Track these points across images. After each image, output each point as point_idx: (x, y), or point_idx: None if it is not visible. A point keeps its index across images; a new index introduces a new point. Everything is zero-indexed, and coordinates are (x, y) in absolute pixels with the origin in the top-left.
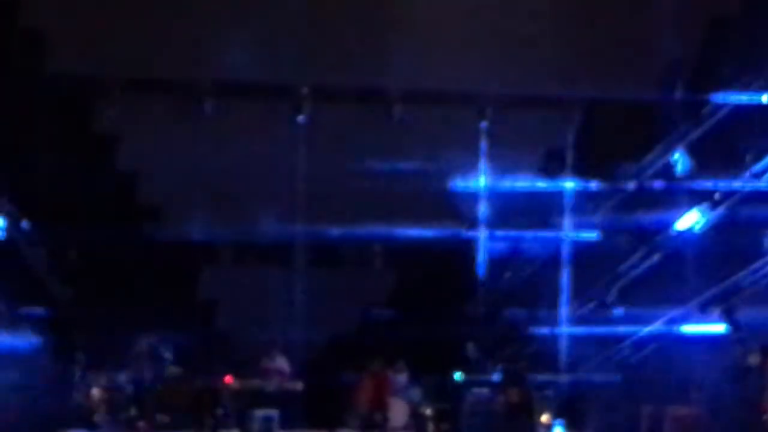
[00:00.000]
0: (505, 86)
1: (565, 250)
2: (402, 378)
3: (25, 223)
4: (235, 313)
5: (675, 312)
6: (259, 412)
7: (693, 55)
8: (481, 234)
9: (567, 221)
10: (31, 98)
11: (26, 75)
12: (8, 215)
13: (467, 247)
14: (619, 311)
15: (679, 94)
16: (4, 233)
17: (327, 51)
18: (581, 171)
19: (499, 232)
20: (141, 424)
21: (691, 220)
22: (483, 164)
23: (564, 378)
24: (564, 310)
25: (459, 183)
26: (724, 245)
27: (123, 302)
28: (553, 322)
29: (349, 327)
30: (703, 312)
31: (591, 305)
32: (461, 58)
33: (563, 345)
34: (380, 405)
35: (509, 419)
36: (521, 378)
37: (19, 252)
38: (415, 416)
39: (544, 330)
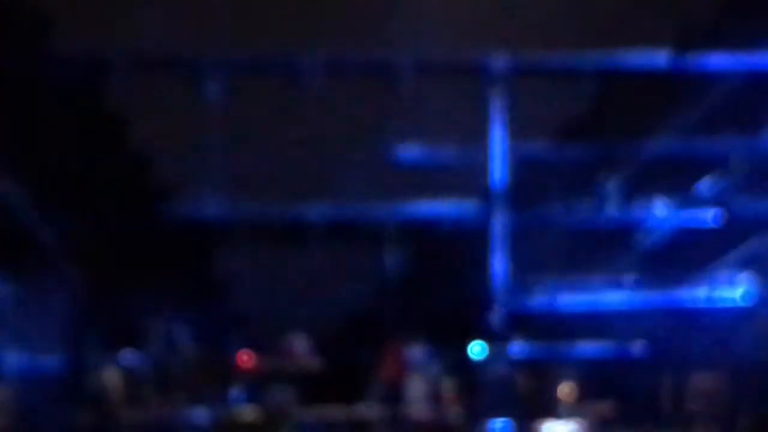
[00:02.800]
0: (517, 55)
1: (588, 221)
2: (421, 353)
3: (37, 205)
4: (251, 292)
5: (698, 281)
6: (277, 390)
7: (710, 19)
8: (498, 208)
9: (587, 192)
10: (39, 81)
11: (33, 57)
12: (19, 198)
13: (484, 222)
14: (642, 281)
15: (693, 60)
16: (17, 216)
17: (334, 24)
18: (596, 141)
19: (518, 206)
20: (158, 404)
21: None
22: (496, 136)
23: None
24: (587, 281)
25: (472, 156)
26: (746, 213)
27: (138, 283)
28: (574, 292)
29: (367, 304)
30: (727, 281)
31: (615, 276)
32: (471, 27)
33: (586, 316)
34: (398, 379)
35: (530, 393)
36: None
37: (32, 234)
38: (434, 391)
39: (567, 301)
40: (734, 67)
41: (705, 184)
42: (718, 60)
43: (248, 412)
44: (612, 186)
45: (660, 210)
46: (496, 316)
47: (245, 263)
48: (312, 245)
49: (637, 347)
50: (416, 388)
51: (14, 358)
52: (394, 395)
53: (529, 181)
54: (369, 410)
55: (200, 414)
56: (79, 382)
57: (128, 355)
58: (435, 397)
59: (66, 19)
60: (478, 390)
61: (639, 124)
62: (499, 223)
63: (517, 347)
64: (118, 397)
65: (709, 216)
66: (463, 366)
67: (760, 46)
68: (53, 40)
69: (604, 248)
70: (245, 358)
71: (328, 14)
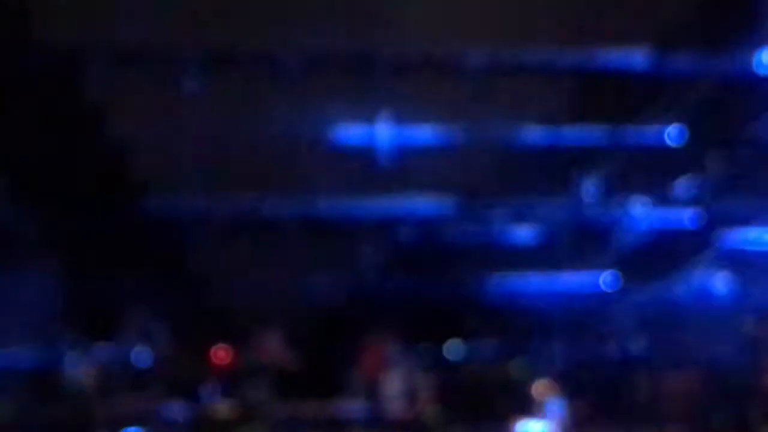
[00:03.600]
0: (497, 51)
1: (563, 219)
2: (396, 349)
3: (13, 198)
4: (228, 287)
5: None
6: (253, 386)
7: (693, 19)
8: (479, 202)
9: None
10: (16, 72)
11: (11, 48)
12: None
13: (464, 216)
14: (618, 279)
15: (676, 60)
16: None
17: (317, 17)
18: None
19: (497, 200)
20: (134, 399)
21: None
22: (476, 131)
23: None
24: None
25: (454, 151)
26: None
27: (115, 277)
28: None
29: (344, 298)
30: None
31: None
32: (452, 21)
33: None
34: (377, 376)
35: (505, 390)
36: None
37: (8, 227)
38: (411, 389)
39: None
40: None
41: (682, 184)
42: (703, 62)
43: (223, 408)
44: (589, 183)
45: (638, 209)
46: (471, 313)
47: (221, 258)
48: (288, 240)
49: (613, 346)
50: (393, 386)
51: None
52: (373, 392)
53: (508, 176)
54: (346, 407)
55: (175, 409)
56: (53, 376)
57: (103, 350)
58: (411, 395)
59: (44, 9)
60: (454, 388)
61: (617, 121)
62: (482, 218)
63: (493, 345)
64: (93, 392)
65: (685, 216)
66: (440, 364)
67: (737, 47)
68: (31, 31)
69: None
70: (221, 353)
71: (309, 7)
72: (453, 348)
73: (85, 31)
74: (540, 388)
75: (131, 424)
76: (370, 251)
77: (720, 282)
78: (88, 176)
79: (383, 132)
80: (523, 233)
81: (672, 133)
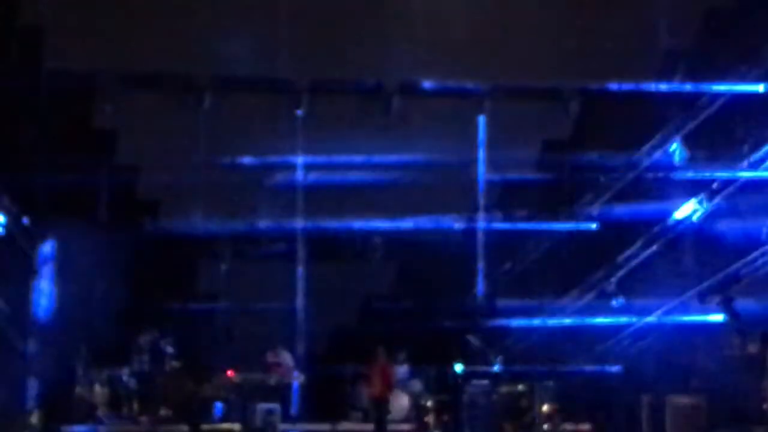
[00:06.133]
0: (503, 78)
1: (564, 241)
2: (403, 370)
3: (25, 219)
4: (236, 307)
5: (674, 302)
6: (262, 406)
7: (691, 45)
8: (481, 225)
9: (567, 211)
10: (30, 95)
11: (25, 72)
12: (8, 212)
13: (467, 238)
14: (618, 301)
15: (676, 83)
16: (5, 229)
17: (325, 45)
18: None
19: (499, 223)
20: (143, 418)
21: (688, 209)
22: (482, 156)
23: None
24: (564, 301)
25: (458, 175)
26: (723, 235)
27: (124, 297)
28: (553, 312)
29: (350, 320)
30: (701, 302)
31: (591, 295)
32: (459, 50)
33: (564, 335)
34: (385, 396)
35: (509, 410)
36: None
37: (20, 248)
38: (416, 408)
39: (544, 320)
40: (718, 92)
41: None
42: (702, 85)
43: (231, 427)
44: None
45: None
46: (476, 336)
47: (230, 278)
48: (297, 260)
49: (615, 368)
50: (399, 405)
51: None
52: (381, 411)
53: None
54: (353, 426)
55: (184, 428)
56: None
57: (114, 370)
58: (417, 414)
59: (58, 35)
60: (458, 408)
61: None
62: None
63: (497, 367)
64: (104, 411)
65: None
66: (445, 383)
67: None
68: (45, 56)
69: (586, 266)
70: (229, 373)
71: (320, 38)
72: (459, 369)
73: (98, 57)
74: (545, 406)
75: None
76: (378, 272)
77: None
78: (99, 198)
79: (389, 154)
80: (525, 253)
81: None
